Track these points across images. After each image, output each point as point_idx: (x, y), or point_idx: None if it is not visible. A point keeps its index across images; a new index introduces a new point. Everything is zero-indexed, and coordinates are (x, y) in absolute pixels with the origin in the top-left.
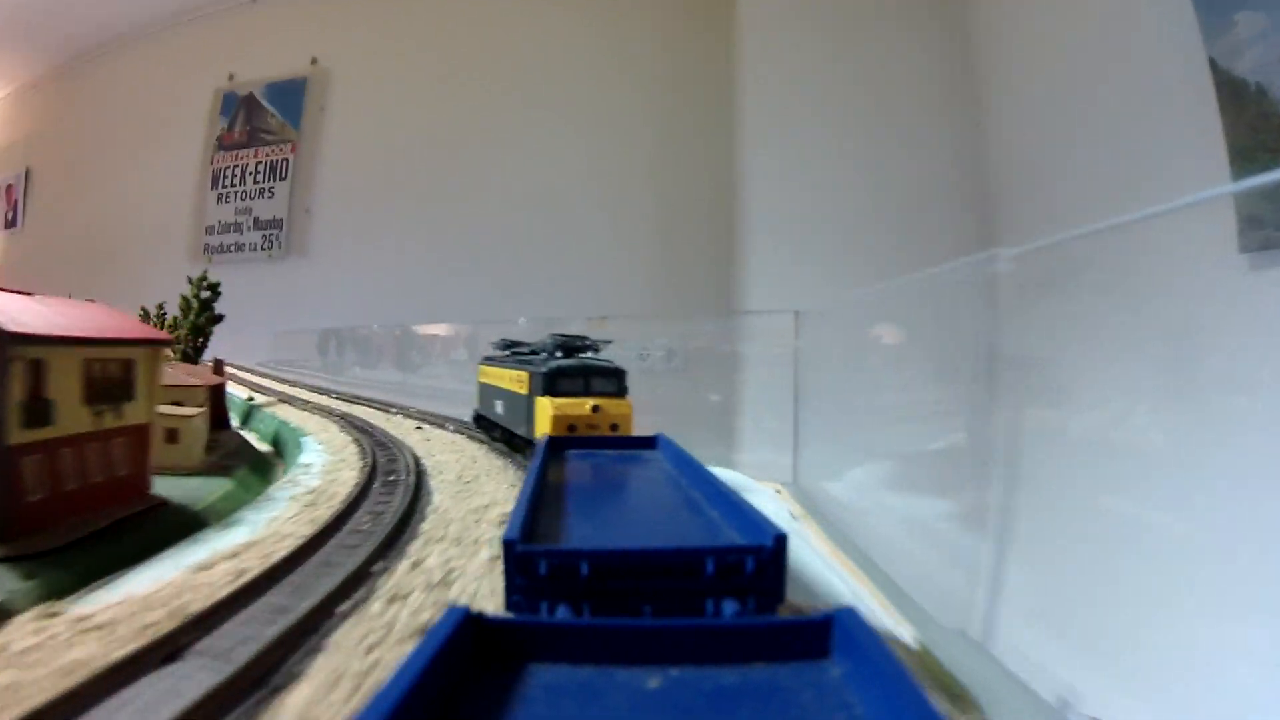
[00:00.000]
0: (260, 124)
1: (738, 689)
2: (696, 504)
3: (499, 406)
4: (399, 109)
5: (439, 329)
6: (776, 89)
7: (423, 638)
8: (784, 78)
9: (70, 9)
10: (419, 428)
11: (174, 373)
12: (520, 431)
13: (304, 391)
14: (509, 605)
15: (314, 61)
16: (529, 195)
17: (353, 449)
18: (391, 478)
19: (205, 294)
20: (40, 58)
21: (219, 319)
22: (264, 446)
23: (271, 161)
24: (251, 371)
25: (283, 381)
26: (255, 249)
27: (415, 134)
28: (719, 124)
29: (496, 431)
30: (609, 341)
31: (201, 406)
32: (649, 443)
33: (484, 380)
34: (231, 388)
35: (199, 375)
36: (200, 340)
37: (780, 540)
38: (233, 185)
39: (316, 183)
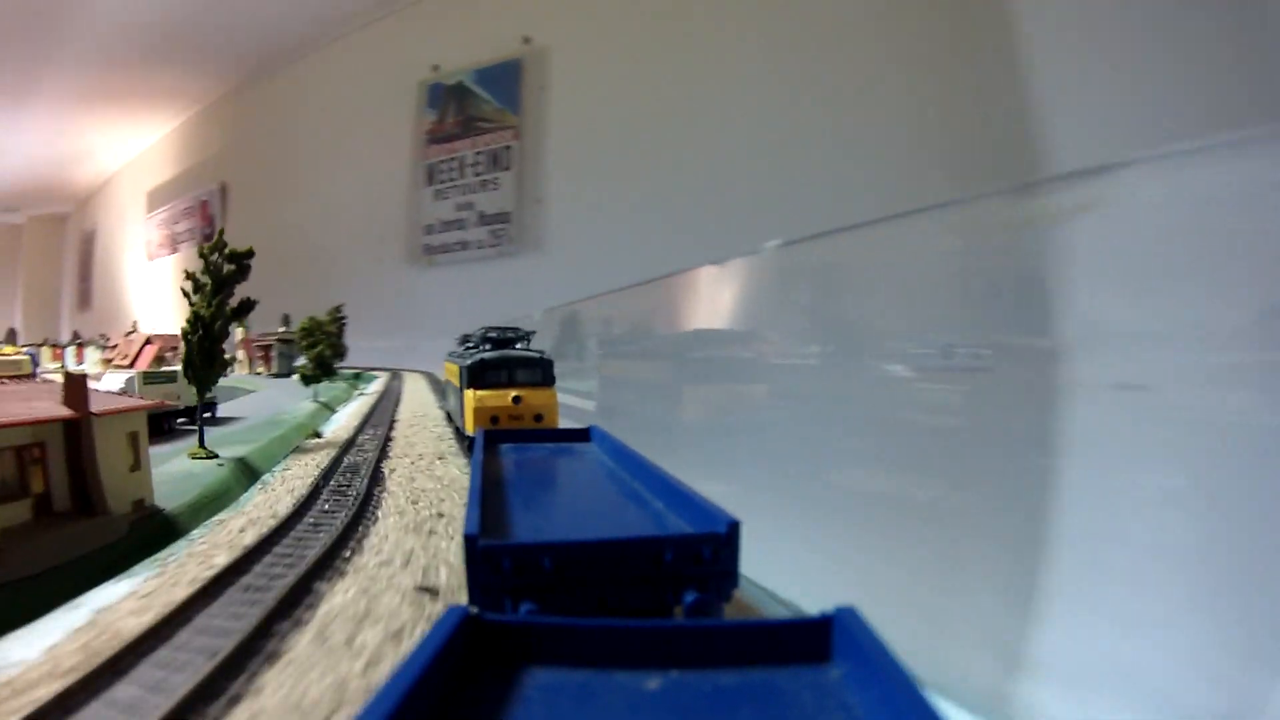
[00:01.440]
0: (474, 112)
1: (737, 691)
2: (639, 494)
3: (451, 401)
4: (630, 71)
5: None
6: None
7: (422, 638)
8: None
9: (254, 17)
10: (426, 589)
11: None
12: (460, 424)
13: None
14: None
15: (526, 40)
16: (772, 120)
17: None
18: None
19: (228, 267)
20: (228, 70)
21: (250, 306)
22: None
23: (492, 151)
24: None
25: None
26: (482, 246)
27: (650, 92)
28: None
29: (451, 424)
30: (533, 332)
31: None
32: (583, 435)
33: (446, 377)
34: (348, 414)
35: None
36: (211, 334)
37: (733, 527)
38: (450, 180)
39: (546, 168)
